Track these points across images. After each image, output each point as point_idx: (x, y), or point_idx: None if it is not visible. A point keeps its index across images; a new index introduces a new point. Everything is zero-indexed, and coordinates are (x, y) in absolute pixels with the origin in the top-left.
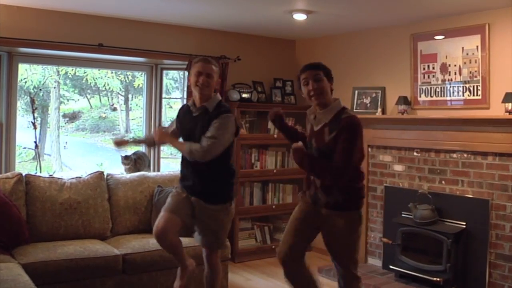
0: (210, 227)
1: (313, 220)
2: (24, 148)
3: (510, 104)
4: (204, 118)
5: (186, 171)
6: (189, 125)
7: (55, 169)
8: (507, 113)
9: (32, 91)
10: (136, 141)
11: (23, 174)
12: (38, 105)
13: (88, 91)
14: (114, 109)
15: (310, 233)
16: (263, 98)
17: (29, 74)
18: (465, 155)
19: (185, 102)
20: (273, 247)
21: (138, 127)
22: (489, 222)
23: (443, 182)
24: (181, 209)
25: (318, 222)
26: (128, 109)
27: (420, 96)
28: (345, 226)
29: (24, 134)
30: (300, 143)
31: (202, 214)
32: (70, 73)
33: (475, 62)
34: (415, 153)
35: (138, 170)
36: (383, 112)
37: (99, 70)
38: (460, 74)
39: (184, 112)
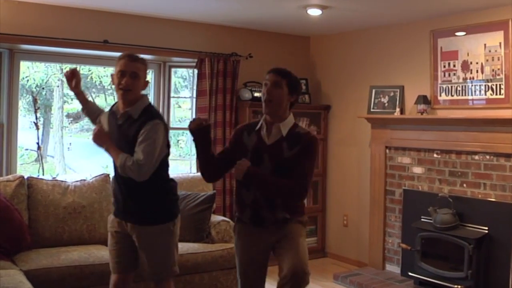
0: (154, 254)
1: (263, 244)
2: (26, 149)
3: None
4: (129, 127)
5: (116, 189)
6: (114, 135)
7: (58, 171)
8: None
9: (34, 90)
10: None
11: (25, 177)
12: (40, 105)
13: (93, 90)
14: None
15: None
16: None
17: (31, 72)
18: (488, 156)
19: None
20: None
21: None
22: None
23: (464, 185)
24: (123, 260)
25: (269, 241)
26: None
27: (440, 95)
28: (296, 230)
29: (26, 135)
30: (244, 160)
31: (142, 242)
32: None
33: (498, 59)
34: (435, 155)
35: None
36: (402, 112)
37: (104, 68)
38: (482, 72)
39: (110, 117)
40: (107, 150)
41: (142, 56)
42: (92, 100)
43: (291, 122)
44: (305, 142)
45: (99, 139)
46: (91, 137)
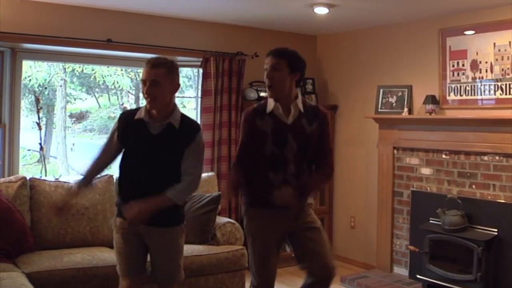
0: (168, 256)
1: (281, 228)
2: (29, 150)
3: None
4: (172, 137)
5: (133, 190)
6: (145, 145)
7: (61, 172)
8: None
9: (37, 89)
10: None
11: (27, 178)
12: (43, 105)
13: (97, 89)
14: (124, 109)
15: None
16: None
17: (33, 71)
18: (497, 157)
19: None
20: (293, 255)
21: None
22: None
23: (473, 186)
24: (136, 262)
25: (287, 226)
26: None
27: (449, 95)
28: (316, 218)
29: (28, 135)
30: (283, 191)
31: (157, 244)
32: (77, 71)
33: (508, 58)
34: (443, 156)
35: None
36: (410, 112)
37: (108, 67)
38: (491, 71)
39: (133, 124)
40: (155, 209)
41: (145, 55)
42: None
43: (301, 98)
44: (322, 116)
45: (142, 215)
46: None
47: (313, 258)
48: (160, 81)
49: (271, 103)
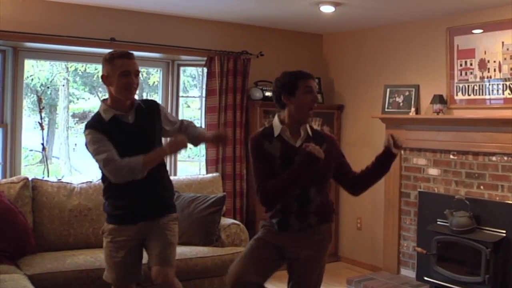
0: (168, 240)
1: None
2: (31, 150)
3: None
4: (148, 117)
5: (138, 187)
6: (131, 135)
7: (63, 173)
8: None
9: (39, 89)
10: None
11: (30, 179)
12: (45, 104)
13: (100, 89)
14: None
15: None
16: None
17: (36, 70)
18: (506, 158)
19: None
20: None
21: None
22: None
23: (481, 187)
24: (132, 270)
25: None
26: None
27: (456, 95)
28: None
29: (30, 136)
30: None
31: (159, 230)
32: (80, 70)
33: None
34: (451, 156)
35: None
36: (417, 111)
37: None
38: (500, 70)
39: (108, 126)
40: (169, 154)
41: (149, 54)
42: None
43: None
44: (331, 140)
45: (179, 146)
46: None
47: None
48: (139, 71)
49: (277, 127)
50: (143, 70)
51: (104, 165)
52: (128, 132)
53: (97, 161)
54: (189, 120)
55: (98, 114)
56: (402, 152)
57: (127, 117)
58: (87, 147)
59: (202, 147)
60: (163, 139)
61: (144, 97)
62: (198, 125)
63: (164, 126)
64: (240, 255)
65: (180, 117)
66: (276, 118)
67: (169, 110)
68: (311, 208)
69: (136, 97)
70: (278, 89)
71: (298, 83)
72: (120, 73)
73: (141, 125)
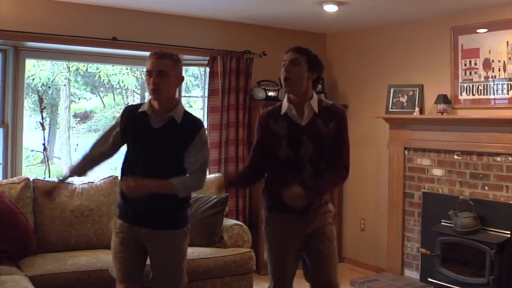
0: (169, 260)
1: (299, 234)
2: (32, 150)
3: None
4: (173, 132)
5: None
6: (145, 138)
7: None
8: None
9: (40, 88)
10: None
11: (31, 179)
12: (46, 104)
13: (101, 88)
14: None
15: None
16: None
17: (37, 70)
18: (510, 158)
19: (131, 103)
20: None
21: None
22: None
23: (486, 187)
24: (134, 269)
25: (305, 231)
26: None
27: (461, 95)
28: (332, 228)
29: (31, 136)
30: (291, 191)
31: (158, 247)
32: (81, 70)
33: None
34: (455, 156)
35: None
36: (421, 111)
37: (113, 66)
38: (504, 70)
39: (134, 118)
40: (154, 191)
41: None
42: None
43: (316, 98)
44: (338, 115)
45: (139, 189)
46: (126, 191)
47: (317, 275)
48: (167, 71)
49: (285, 105)
50: (144, 70)
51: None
52: (148, 134)
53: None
54: (196, 175)
55: (141, 104)
56: (406, 152)
57: (155, 120)
58: None
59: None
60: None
61: (146, 97)
62: None
63: (186, 153)
64: (270, 264)
65: None
66: (286, 96)
67: None
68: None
69: (138, 97)
70: None
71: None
72: (146, 73)
73: (164, 137)
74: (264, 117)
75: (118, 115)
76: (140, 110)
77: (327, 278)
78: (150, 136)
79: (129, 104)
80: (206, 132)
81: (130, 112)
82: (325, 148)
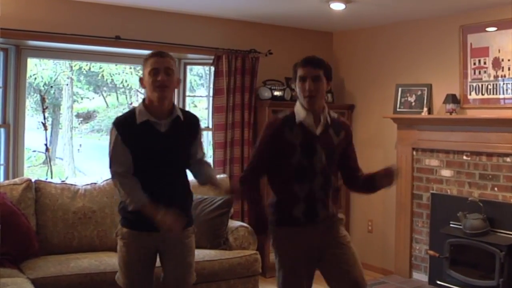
0: (181, 257)
1: (312, 246)
2: (34, 151)
3: None
4: (179, 131)
5: (157, 195)
6: (158, 145)
7: (67, 174)
8: None
9: (42, 88)
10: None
11: (33, 180)
12: (49, 104)
13: (104, 88)
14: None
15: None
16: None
17: (39, 69)
18: None
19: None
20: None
21: None
22: None
23: (495, 188)
24: (144, 278)
25: (318, 242)
26: None
27: (470, 94)
28: (346, 234)
29: (33, 136)
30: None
31: (170, 246)
32: (84, 69)
33: None
34: (464, 157)
35: None
36: (430, 111)
37: (116, 65)
38: None
39: (137, 129)
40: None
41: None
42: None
43: (326, 108)
44: (347, 128)
45: (178, 224)
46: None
47: (342, 277)
48: (173, 70)
49: (300, 113)
50: None
51: (112, 174)
52: (158, 141)
53: (110, 168)
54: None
55: (132, 113)
56: (414, 153)
57: (160, 125)
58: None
59: (209, 148)
60: None
61: None
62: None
63: (193, 146)
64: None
65: None
66: (298, 103)
67: None
68: (329, 195)
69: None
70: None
71: (297, 71)
72: (149, 72)
73: (174, 138)
74: (279, 125)
75: (111, 134)
76: (139, 121)
77: (354, 277)
78: (160, 141)
79: (117, 117)
80: (211, 132)
81: (126, 125)
82: (335, 158)
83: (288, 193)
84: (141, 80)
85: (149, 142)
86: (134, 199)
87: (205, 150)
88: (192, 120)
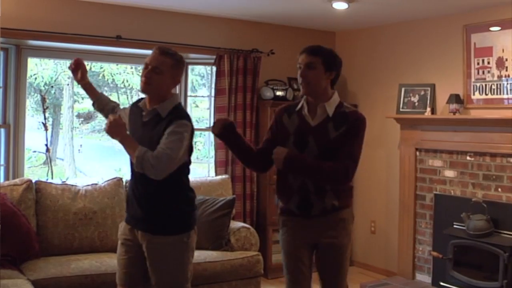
0: (163, 269)
1: (309, 237)
2: (34, 151)
3: None
4: (155, 125)
5: (132, 194)
6: (138, 132)
7: (68, 175)
8: None
9: (43, 88)
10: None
11: (33, 181)
12: (49, 104)
13: (105, 88)
14: None
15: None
16: (299, 96)
17: (39, 69)
18: None
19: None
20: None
21: None
22: None
23: (499, 189)
24: (134, 272)
25: (315, 235)
26: None
27: (473, 94)
28: (344, 236)
29: (34, 136)
30: (280, 148)
31: (152, 252)
32: None
33: None
34: (468, 157)
35: None
36: (433, 111)
37: (117, 65)
38: None
39: (133, 112)
40: (122, 142)
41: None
42: (103, 93)
43: (336, 101)
44: (352, 121)
45: (115, 128)
46: (105, 127)
47: (325, 282)
48: (163, 70)
49: (302, 102)
50: None
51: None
52: (136, 126)
53: None
54: (150, 154)
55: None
56: (418, 153)
57: (145, 113)
58: None
59: (211, 148)
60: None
61: None
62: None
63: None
64: (286, 278)
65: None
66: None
67: None
68: (327, 187)
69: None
70: None
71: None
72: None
73: (147, 130)
74: (280, 110)
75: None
76: (138, 103)
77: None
78: (141, 129)
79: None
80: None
81: (135, 103)
82: (330, 153)
83: (283, 186)
84: None
85: (132, 124)
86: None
87: (167, 148)
88: (172, 117)
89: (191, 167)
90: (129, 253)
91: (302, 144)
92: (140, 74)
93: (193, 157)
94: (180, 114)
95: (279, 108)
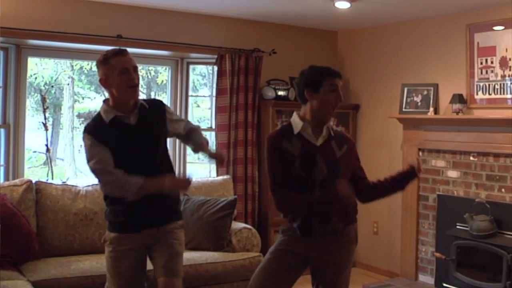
0: (174, 249)
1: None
2: (34, 152)
3: None
4: (151, 117)
5: (144, 198)
6: (133, 138)
7: (68, 175)
8: None
9: (43, 88)
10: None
11: (33, 181)
12: (49, 104)
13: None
14: None
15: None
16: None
17: (39, 69)
18: None
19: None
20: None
21: None
22: None
23: (503, 190)
24: (137, 281)
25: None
26: None
27: (477, 94)
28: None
29: (34, 136)
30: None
31: (165, 240)
32: (85, 68)
33: None
34: (471, 158)
35: None
36: (436, 111)
37: None
38: None
39: (107, 128)
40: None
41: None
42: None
43: (331, 120)
44: (350, 141)
45: (185, 183)
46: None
47: None
48: (137, 67)
49: (298, 124)
50: (151, 68)
51: (98, 175)
52: (130, 134)
53: (91, 168)
54: (197, 124)
55: (98, 116)
56: (420, 153)
57: (129, 118)
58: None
59: (212, 148)
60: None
61: (153, 97)
62: (208, 125)
63: (169, 127)
64: (260, 266)
65: (190, 118)
66: (295, 115)
67: (178, 110)
68: (333, 210)
69: (144, 96)
70: (302, 83)
71: (324, 80)
72: (119, 72)
73: (144, 127)
74: (276, 137)
75: (85, 140)
76: (108, 120)
77: None
78: (133, 134)
79: (86, 125)
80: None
81: (96, 127)
82: (337, 170)
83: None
84: (102, 80)
85: (123, 138)
86: (131, 184)
87: (186, 120)
88: (155, 105)
89: (193, 167)
90: (128, 263)
91: (311, 164)
92: (125, 80)
93: (194, 157)
94: (154, 100)
95: (272, 137)
